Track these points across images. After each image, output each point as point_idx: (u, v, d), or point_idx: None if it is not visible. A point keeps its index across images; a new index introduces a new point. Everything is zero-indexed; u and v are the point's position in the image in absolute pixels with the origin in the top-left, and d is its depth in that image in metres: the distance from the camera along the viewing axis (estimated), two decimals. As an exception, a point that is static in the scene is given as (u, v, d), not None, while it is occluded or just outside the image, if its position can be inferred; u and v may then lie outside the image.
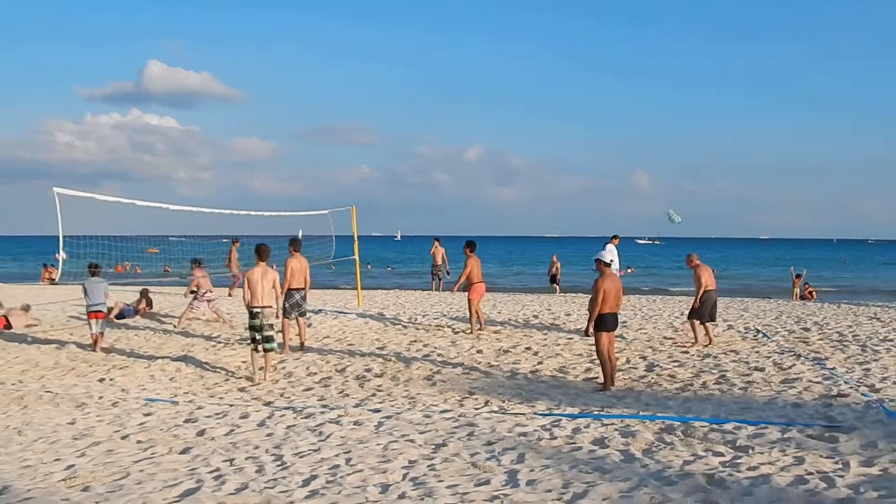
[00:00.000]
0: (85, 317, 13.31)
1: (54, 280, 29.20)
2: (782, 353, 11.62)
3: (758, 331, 14.10)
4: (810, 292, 25.28)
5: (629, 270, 57.06)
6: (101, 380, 10.65)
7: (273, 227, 18.43)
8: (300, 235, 18.50)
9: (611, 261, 9.69)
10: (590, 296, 9.79)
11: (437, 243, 25.64)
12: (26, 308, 16.37)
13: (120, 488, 5.92)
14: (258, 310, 10.52)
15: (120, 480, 6.13)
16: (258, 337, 10.53)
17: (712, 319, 12.82)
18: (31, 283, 30.76)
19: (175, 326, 15.31)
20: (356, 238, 18.67)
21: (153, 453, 6.95)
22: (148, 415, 8.48)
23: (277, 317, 11.01)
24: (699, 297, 12.53)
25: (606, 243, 19.86)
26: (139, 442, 7.36)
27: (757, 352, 11.85)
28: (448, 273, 26.02)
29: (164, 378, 10.78)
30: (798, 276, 26.39)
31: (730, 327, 14.56)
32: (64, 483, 6.13)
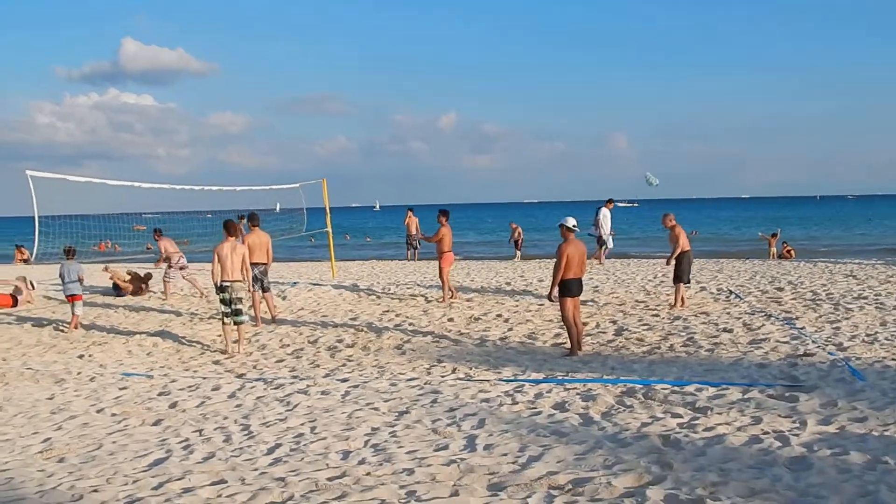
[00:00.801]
0: (62, 298, 13.43)
1: (27, 260, 29.30)
2: (753, 314, 11.80)
3: (730, 292, 14.27)
4: (788, 251, 25.43)
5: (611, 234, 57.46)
6: (81, 356, 10.82)
7: (251, 202, 18.50)
8: (277, 209, 18.60)
9: (574, 225, 9.81)
10: (554, 260, 9.94)
11: (410, 213, 25.84)
12: (30, 284, 16.48)
13: (93, 459, 6.14)
14: (228, 284, 10.66)
15: (93, 452, 6.35)
16: (228, 310, 10.72)
17: (687, 281, 13.02)
18: (5, 263, 30.60)
19: (164, 302, 15.47)
20: (328, 210, 18.74)
21: (126, 425, 7.16)
22: (123, 389, 8.67)
23: (249, 290, 11.17)
24: (674, 255, 12.70)
25: (600, 207, 20.12)
26: (113, 415, 7.56)
27: (728, 313, 12.02)
28: (418, 244, 26.10)
29: (141, 353, 10.95)
30: (773, 234, 26.64)
31: (702, 289, 14.70)
32: (40, 455, 6.35)
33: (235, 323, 10.78)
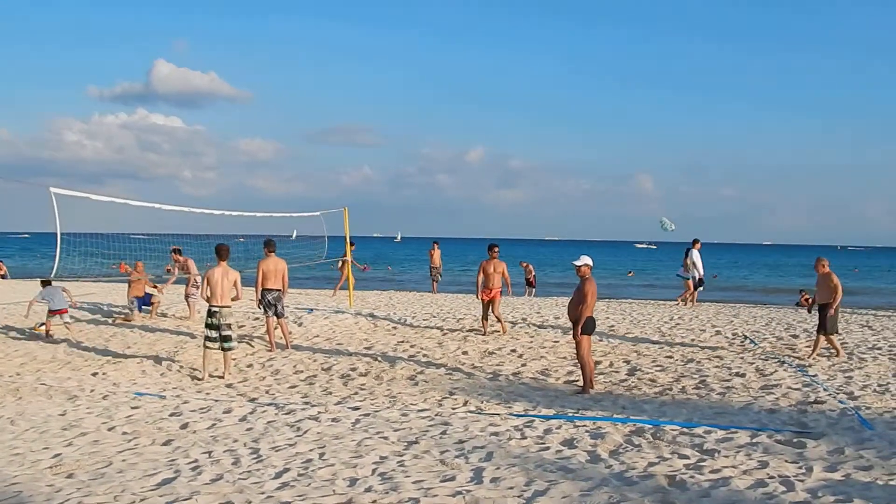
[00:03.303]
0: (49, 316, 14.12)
1: (4, 276, 30.09)
2: (766, 360, 11.74)
3: (745, 337, 14.22)
4: (806, 299, 25.25)
5: (629, 274, 57.32)
6: (95, 374, 10.92)
7: (270, 228, 18.65)
8: (294, 236, 18.74)
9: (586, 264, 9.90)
10: (570, 298, 9.99)
11: (435, 246, 26.27)
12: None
13: (102, 476, 6.18)
14: (216, 309, 10.66)
15: (102, 469, 6.39)
16: (213, 335, 10.67)
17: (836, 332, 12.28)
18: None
19: (185, 321, 15.64)
20: (348, 239, 18.88)
21: (136, 444, 7.20)
22: (135, 408, 8.72)
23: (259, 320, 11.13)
24: (836, 304, 11.89)
25: (688, 248, 20.13)
26: (124, 433, 7.61)
27: (741, 357, 11.98)
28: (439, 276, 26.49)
29: (155, 373, 11.04)
30: (801, 290, 26.29)
31: (717, 333, 14.68)
32: (50, 470, 6.40)
33: (223, 349, 10.75)
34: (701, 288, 20.44)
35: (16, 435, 7.57)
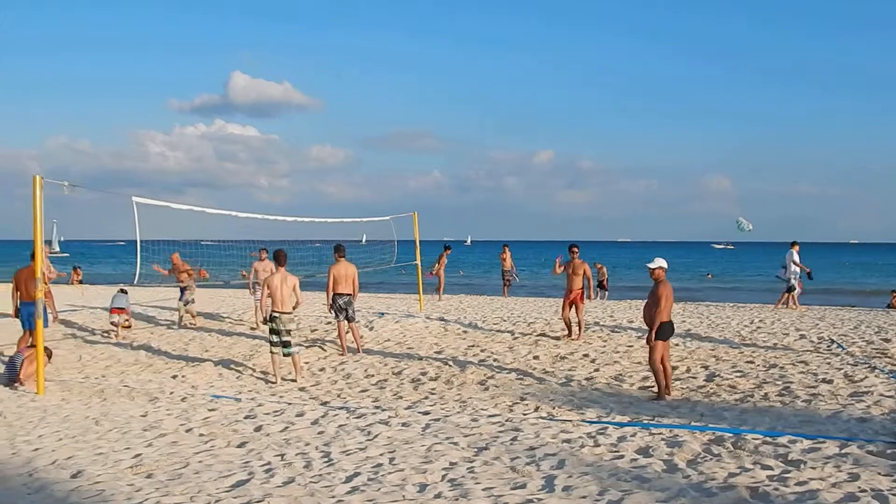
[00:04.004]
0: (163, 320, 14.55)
1: (81, 281, 31.23)
2: (856, 366, 11.24)
3: (832, 341, 13.66)
4: (899, 300, 24.15)
5: (708, 276, 55.99)
6: (174, 376, 11.21)
7: (341, 233, 18.86)
8: (363, 240, 18.88)
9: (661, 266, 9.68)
10: (646, 301, 9.78)
11: (506, 249, 26.06)
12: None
13: (179, 477, 6.31)
14: (277, 315, 10.73)
15: (180, 470, 6.52)
16: (276, 340, 10.78)
17: None
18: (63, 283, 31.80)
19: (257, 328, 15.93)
20: (418, 244, 18.94)
21: (213, 446, 7.33)
22: (212, 410, 8.90)
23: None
24: None
25: (789, 249, 19.81)
26: (201, 435, 7.76)
27: (828, 363, 11.49)
28: (516, 277, 26.30)
29: (231, 376, 11.26)
30: (893, 291, 25.22)
31: (802, 337, 14.15)
32: (130, 470, 6.56)
33: (284, 355, 10.85)
34: (796, 291, 19.86)
35: (100, 435, 7.82)
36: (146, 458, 6.94)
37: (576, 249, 14.39)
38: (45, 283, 10.25)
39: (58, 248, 75.82)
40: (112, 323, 15.08)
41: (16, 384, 10.24)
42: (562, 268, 14.40)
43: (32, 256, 10.29)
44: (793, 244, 19.80)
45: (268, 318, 10.91)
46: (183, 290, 16.47)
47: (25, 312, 11.64)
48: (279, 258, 11.04)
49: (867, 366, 11.21)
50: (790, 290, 19.67)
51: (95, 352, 13.25)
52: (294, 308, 10.94)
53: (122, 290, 15.61)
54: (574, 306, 14.02)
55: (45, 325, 10.34)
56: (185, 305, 16.51)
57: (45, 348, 10.26)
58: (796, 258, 19.44)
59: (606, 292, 26.19)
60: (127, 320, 15.38)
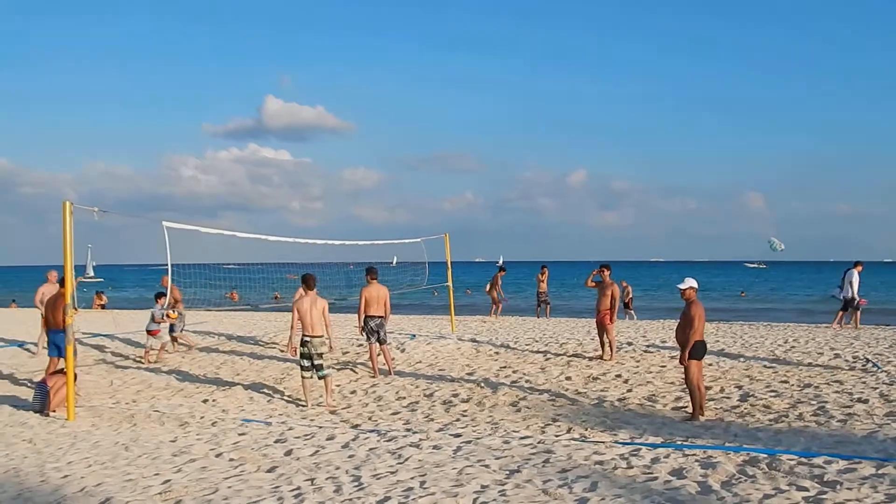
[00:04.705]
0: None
1: (104, 306, 31.42)
2: (892, 385, 11.02)
3: (867, 360, 13.42)
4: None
5: (742, 295, 55.32)
6: (205, 401, 11.27)
7: (373, 255, 18.93)
8: (394, 262, 18.90)
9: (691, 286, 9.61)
10: (678, 322, 9.69)
11: (545, 269, 25.18)
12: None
13: (208, 503, 6.30)
14: (308, 339, 10.75)
15: (209, 496, 6.51)
16: (307, 364, 10.78)
17: None
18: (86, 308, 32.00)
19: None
20: (449, 265, 18.95)
21: (242, 471, 7.32)
22: (242, 434, 8.90)
23: (331, 348, 11.24)
24: None
25: (849, 269, 19.62)
26: (231, 460, 7.76)
27: (863, 382, 11.29)
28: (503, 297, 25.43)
29: (262, 400, 11.30)
30: None
31: (836, 356, 13.92)
32: (159, 496, 6.55)
33: (318, 377, 10.84)
34: (849, 310, 19.60)
35: (129, 461, 7.84)
36: (175, 484, 6.93)
37: (605, 270, 14.32)
38: (76, 310, 10.36)
39: (92, 273, 76.83)
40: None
41: (47, 412, 10.31)
42: (594, 284, 14.40)
43: (62, 282, 10.41)
44: (856, 264, 19.61)
45: (299, 342, 10.94)
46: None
47: (53, 340, 11.64)
48: (308, 282, 11.06)
49: (905, 385, 10.98)
50: (846, 308, 19.43)
51: (126, 377, 13.34)
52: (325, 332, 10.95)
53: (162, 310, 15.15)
54: (602, 327, 13.93)
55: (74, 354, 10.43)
56: (176, 333, 15.96)
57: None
58: (856, 280, 19.19)
59: (632, 311, 25.90)
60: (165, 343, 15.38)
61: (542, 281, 25.12)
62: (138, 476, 7.24)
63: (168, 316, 15.01)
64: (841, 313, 19.60)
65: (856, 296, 19.18)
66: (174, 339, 16.13)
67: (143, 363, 14.76)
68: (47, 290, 14.64)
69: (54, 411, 10.30)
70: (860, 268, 19.54)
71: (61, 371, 10.59)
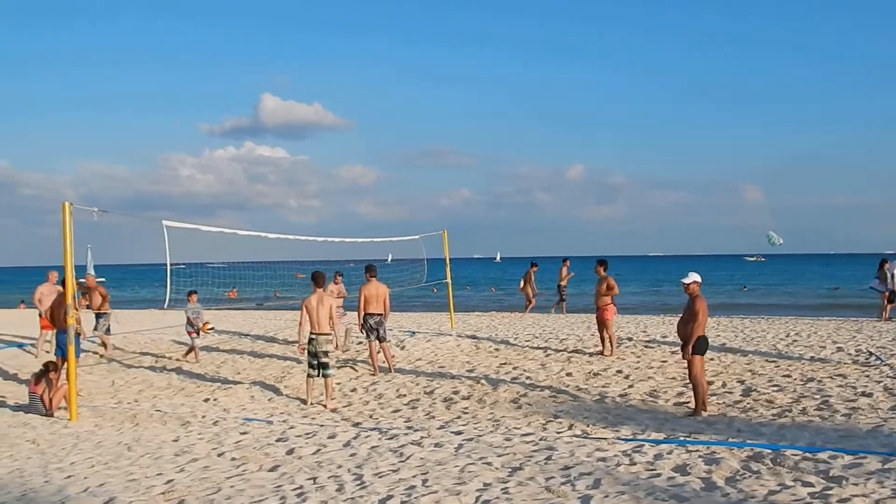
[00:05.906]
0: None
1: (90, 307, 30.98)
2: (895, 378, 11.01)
3: (870, 353, 13.37)
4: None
5: (744, 289, 55.25)
6: (206, 400, 11.26)
7: (371, 252, 18.87)
8: (389, 259, 18.85)
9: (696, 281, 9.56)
10: (680, 316, 9.66)
11: (567, 263, 24.03)
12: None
13: (211, 502, 6.28)
14: (314, 336, 10.76)
15: (211, 495, 6.48)
16: (313, 362, 10.77)
17: None
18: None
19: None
20: (448, 262, 18.92)
21: (245, 470, 7.29)
22: (244, 433, 8.88)
23: (336, 347, 11.22)
24: None
25: (884, 259, 19.76)
26: (233, 459, 7.73)
27: (867, 376, 11.24)
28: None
29: (263, 398, 11.28)
30: None
31: (839, 349, 13.87)
32: (162, 496, 6.54)
33: (322, 376, 10.83)
34: (894, 301, 19.61)
35: (132, 461, 7.82)
36: (178, 483, 6.91)
37: (601, 265, 14.26)
38: (76, 310, 10.34)
39: (93, 273, 76.74)
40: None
41: (50, 412, 10.27)
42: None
43: (63, 283, 10.39)
44: (883, 261, 19.73)
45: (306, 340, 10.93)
46: (98, 316, 15.29)
47: (60, 341, 11.63)
48: (317, 279, 11.10)
49: (908, 378, 10.95)
50: (893, 300, 19.52)
51: (128, 376, 13.34)
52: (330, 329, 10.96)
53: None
54: (601, 322, 13.90)
55: (77, 355, 10.42)
56: (104, 333, 15.48)
57: (52, 363, 10.52)
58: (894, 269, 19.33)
59: (564, 303, 25.10)
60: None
61: (565, 276, 23.87)
62: (141, 476, 7.22)
63: (202, 325, 14.79)
64: (889, 306, 19.57)
65: (894, 286, 19.31)
66: (103, 342, 15.57)
67: (192, 362, 14.61)
68: (45, 290, 14.62)
69: (57, 410, 10.29)
70: (887, 264, 19.64)
71: (44, 373, 10.46)
